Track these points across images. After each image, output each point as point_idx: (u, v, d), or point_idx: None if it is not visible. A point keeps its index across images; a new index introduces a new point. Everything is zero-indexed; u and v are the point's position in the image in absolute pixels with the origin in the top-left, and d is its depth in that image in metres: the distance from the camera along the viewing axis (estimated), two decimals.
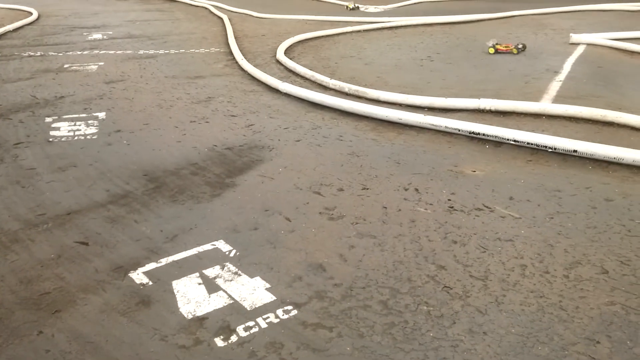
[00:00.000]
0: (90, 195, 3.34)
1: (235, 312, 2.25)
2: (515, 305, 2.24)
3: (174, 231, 2.89)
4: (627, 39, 7.02)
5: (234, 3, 11.78)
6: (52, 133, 4.40)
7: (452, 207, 3.07)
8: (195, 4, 12.73)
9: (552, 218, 2.93)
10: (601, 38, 7.10)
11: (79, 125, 4.58)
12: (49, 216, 3.08)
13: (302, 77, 5.91)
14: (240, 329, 2.15)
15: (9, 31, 9.20)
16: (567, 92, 5.06)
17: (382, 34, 8.55)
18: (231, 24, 9.31)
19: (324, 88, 5.45)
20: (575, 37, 7.20)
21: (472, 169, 3.58)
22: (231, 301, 2.32)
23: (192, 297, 2.35)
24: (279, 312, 2.24)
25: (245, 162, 3.77)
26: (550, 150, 3.74)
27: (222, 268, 2.55)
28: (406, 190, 3.30)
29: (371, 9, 11.30)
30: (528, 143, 3.82)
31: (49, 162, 3.84)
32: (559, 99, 4.85)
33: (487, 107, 4.55)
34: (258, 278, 2.46)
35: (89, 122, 4.65)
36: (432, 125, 4.24)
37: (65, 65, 6.74)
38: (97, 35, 8.82)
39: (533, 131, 3.95)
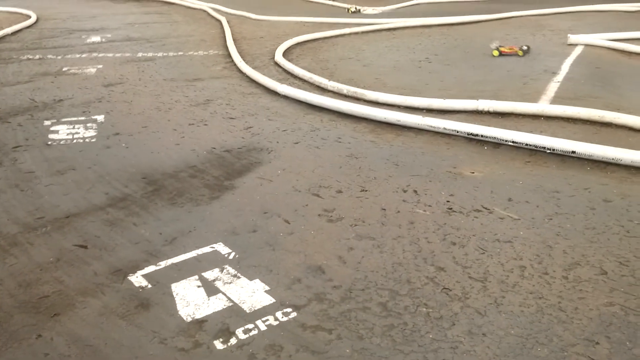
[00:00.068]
0: (89, 198, 3.34)
1: (235, 314, 2.25)
2: (515, 307, 2.24)
3: (173, 234, 2.89)
4: (625, 40, 7.03)
5: (232, 5, 11.78)
6: (50, 136, 4.40)
7: (450, 209, 3.07)
8: (193, 6, 12.73)
9: (550, 219, 2.93)
10: (599, 39, 7.11)
11: (78, 128, 4.58)
12: (47, 219, 3.08)
13: (301, 79, 5.91)
14: (239, 332, 2.15)
15: (8, 34, 9.19)
16: (565, 93, 5.06)
17: (380, 35, 8.56)
18: (229, 26, 9.31)
19: (323, 90, 5.45)
20: (573, 38, 7.21)
21: (470, 171, 3.58)
22: (230, 304, 2.32)
23: (191, 300, 2.35)
24: (278, 314, 2.24)
25: (243, 165, 3.77)
26: (549, 151, 3.74)
27: (221, 270, 2.55)
28: (405, 191, 3.31)
29: (369, 10, 11.31)
30: (526, 144, 3.82)
31: (48, 165, 3.84)
32: (557, 99, 4.86)
33: (486, 109, 4.56)
34: (257, 280, 2.46)
35: (88, 125, 4.66)
36: (431, 126, 4.25)
37: (64, 69, 6.74)
38: (96, 38, 8.82)
39: (531, 132, 3.96)
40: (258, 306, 2.29)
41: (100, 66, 6.85)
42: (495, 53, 6.74)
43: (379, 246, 2.72)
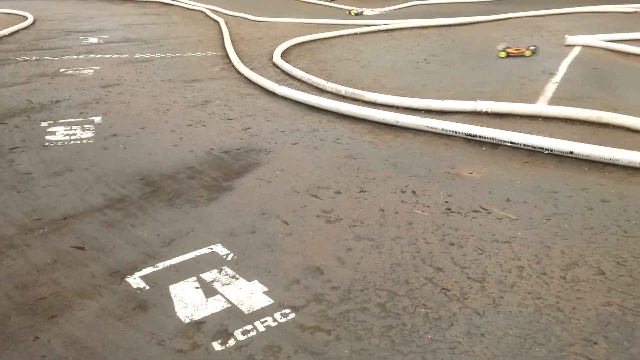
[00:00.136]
0: (87, 199, 3.33)
1: (233, 315, 2.24)
2: (513, 307, 2.24)
3: (171, 235, 2.88)
4: (622, 41, 7.05)
5: (230, 6, 11.79)
6: (47, 137, 4.39)
7: (449, 209, 3.07)
8: (191, 7, 12.73)
9: (548, 219, 2.93)
10: (596, 40, 7.13)
11: (75, 129, 4.57)
12: (45, 221, 3.07)
13: (299, 80, 5.92)
14: (238, 333, 2.14)
15: (5, 36, 9.17)
16: (563, 94, 5.07)
17: (378, 36, 8.57)
18: (227, 28, 9.31)
19: (321, 91, 5.46)
20: (570, 39, 7.22)
21: (469, 171, 3.58)
22: (229, 305, 2.31)
23: (189, 301, 2.34)
24: (277, 315, 2.23)
25: (242, 166, 3.77)
26: (547, 151, 3.74)
27: (220, 272, 2.54)
28: (403, 192, 3.31)
29: (367, 11, 11.33)
30: (524, 145, 3.83)
31: (45, 166, 3.83)
32: (554, 100, 4.87)
33: (484, 109, 4.56)
34: (256, 281, 2.46)
35: (85, 126, 4.65)
36: (429, 127, 4.25)
37: (61, 70, 6.73)
38: (93, 39, 8.81)
39: (529, 133, 3.96)
40: (256, 307, 2.29)
41: (98, 67, 6.84)
42: (503, 54, 6.69)
43: (377, 247, 2.71)
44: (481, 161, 3.74)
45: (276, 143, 4.16)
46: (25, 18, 10.85)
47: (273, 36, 8.67)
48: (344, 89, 5.27)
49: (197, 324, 2.20)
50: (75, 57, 7.49)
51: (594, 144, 3.65)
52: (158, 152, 4.05)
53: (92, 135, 4.43)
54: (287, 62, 6.54)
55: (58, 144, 4.26)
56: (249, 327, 2.17)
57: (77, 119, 4.82)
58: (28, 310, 2.31)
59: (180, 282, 2.47)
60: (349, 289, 2.39)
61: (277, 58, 6.77)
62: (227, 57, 7.28)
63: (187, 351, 2.05)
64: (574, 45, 7.12)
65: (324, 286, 2.41)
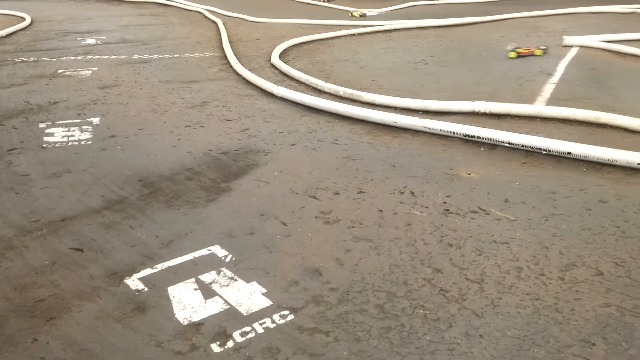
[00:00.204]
0: (85, 201, 3.32)
1: (232, 317, 2.24)
2: (511, 308, 2.25)
3: (169, 236, 2.88)
4: (620, 41, 7.07)
5: (228, 7, 11.78)
6: (45, 139, 4.38)
7: (447, 210, 3.08)
8: (189, 8, 12.72)
9: (547, 220, 2.94)
10: (594, 40, 7.15)
11: (73, 130, 4.56)
12: (43, 222, 3.07)
13: (297, 80, 5.92)
14: (236, 335, 2.14)
15: (2, 37, 9.15)
16: (560, 95, 5.08)
17: (376, 37, 8.57)
18: (225, 28, 9.30)
19: (319, 92, 5.46)
20: (568, 40, 7.24)
21: (467, 172, 3.59)
22: (227, 306, 2.31)
23: (188, 303, 2.34)
24: (276, 317, 2.23)
25: (240, 167, 3.77)
26: (545, 152, 3.75)
27: (218, 273, 2.54)
28: (402, 193, 3.31)
29: (366, 12, 11.32)
30: (522, 145, 3.83)
31: (43, 168, 3.82)
32: (552, 101, 4.88)
33: (482, 110, 4.57)
34: (254, 283, 2.46)
35: (83, 127, 4.64)
36: (427, 128, 4.25)
37: (59, 71, 6.71)
38: (91, 40, 8.80)
39: (527, 133, 3.97)
40: (255, 309, 2.29)
41: (96, 68, 6.82)
42: (512, 55, 6.65)
43: (376, 248, 2.71)
44: (479, 162, 3.74)
45: (274, 144, 4.16)
46: (23, 19, 10.82)
47: (271, 37, 8.66)
48: (342, 90, 5.28)
49: (196, 326, 2.20)
50: (73, 58, 7.48)
51: (592, 144, 3.66)
52: (156, 153, 4.05)
53: (90, 136, 4.43)
54: (285, 62, 6.54)
55: (56, 145, 4.26)
56: (247, 328, 2.17)
57: (75, 120, 4.81)
58: (26, 312, 2.31)
59: (178, 284, 2.47)
60: (347, 290, 2.39)
61: (275, 59, 6.76)
62: (225, 58, 7.27)
63: (185, 353, 2.05)
64: (571, 46, 7.13)
65: (322, 287, 2.41)
